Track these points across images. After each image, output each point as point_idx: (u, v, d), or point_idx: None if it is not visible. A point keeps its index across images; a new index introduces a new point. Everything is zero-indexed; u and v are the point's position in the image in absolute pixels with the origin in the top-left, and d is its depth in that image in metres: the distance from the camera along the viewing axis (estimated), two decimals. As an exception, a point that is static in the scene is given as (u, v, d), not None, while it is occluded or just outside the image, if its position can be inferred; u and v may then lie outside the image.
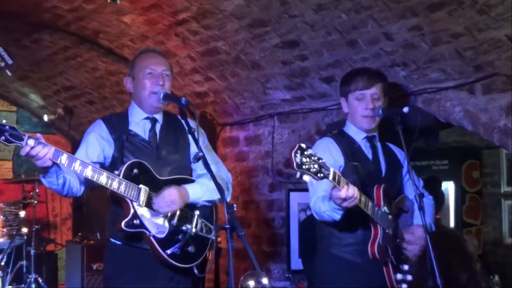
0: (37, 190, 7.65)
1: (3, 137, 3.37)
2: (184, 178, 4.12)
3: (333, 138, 4.23)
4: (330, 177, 3.43)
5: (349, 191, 3.56)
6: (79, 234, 8.14)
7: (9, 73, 3.41)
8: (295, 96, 6.05)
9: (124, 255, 3.96)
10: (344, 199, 3.59)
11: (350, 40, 4.98)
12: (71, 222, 9.80)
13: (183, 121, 3.89)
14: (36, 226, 7.41)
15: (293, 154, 3.25)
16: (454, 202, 9.32)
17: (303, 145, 3.29)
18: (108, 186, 3.69)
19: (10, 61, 3.32)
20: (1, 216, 6.65)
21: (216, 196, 3.99)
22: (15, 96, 9.40)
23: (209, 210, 4.18)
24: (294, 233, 6.44)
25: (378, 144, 4.32)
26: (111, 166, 3.95)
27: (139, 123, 4.10)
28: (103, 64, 7.22)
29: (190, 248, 4.00)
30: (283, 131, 6.40)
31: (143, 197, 3.82)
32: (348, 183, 3.59)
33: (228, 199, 4.14)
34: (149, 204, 3.84)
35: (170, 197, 3.87)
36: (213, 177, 3.58)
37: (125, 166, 3.81)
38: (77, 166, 3.59)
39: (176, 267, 3.95)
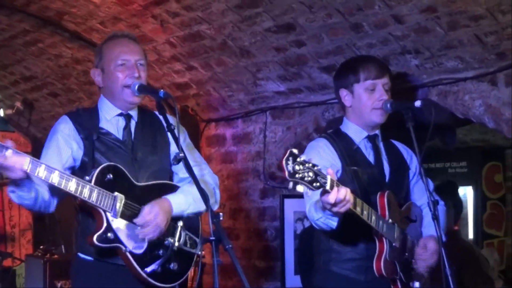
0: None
1: None
2: (164, 184, 4.11)
3: (328, 140, 4.22)
4: (328, 186, 3.41)
5: (340, 194, 3.49)
6: (41, 247, 8.12)
7: None
8: (291, 88, 6.06)
9: (96, 273, 3.92)
10: (334, 204, 3.52)
11: (354, 24, 4.99)
12: (31, 233, 9.78)
13: (161, 117, 3.86)
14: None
15: (284, 161, 3.22)
16: (473, 210, 9.35)
17: (295, 151, 3.26)
18: (78, 194, 3.63)
19: None
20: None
21: (203, 206, 3.89)
22: (-34, 88, 9.38)
23: (194, 220, 4.18)
24: (289, 246, 6.45)
25: (381, 144, 4.32)
26: (80, 171, 3.92)
27: (111, 120, 4.07)
28: (68, 51, 7.20)
29: (173, 265, 3.99)
30: (276, 128, 6.41)
31: (118, 207, 3.77)
32: (339, 185, 3.53)
33: (216, 207, 4.19)
34: (125, 215, 3.80)
35: (156, 220, 3.82)
36: (196, 182, 3.55)
37: (97, 170, 3.76)
38: (41, 171, 3.53)
39: (157, 287, 3.92)
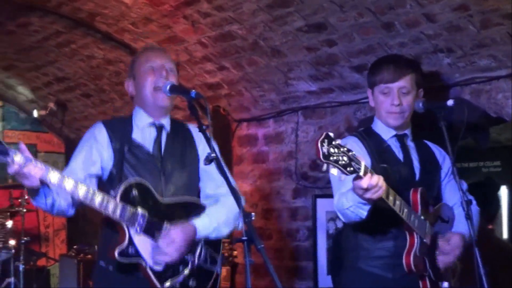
0: (26, 197, 7.65)
1: None
2: (189, 203, 4.14)
3: (358, 138, 4.22)
4: (361, 172, 3.40)
5: (373, 180, 3.48)
6: (75, 247, 8.19)
7: None
8: (322, 88, 6.06)
9: (116, 282, 3.95)
10: (366, 189, 3.50)
11: (386, 23, 4.98)
12: (65, 233, 9.86)
13: (191, 130, 4.04)
14: (25, 238, 7.46)
15: (319, 143, 3.21)
16: (508, 210, 9.27)
17: (331, 134, 3.26)
18: (102, 209, 3.69)
19: None
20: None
21: (226, 230, 4.09)
22: (0, 89, 9.47)
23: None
24: (321, 246, 6.45)
25: (411, 143, 4.31)
26: (108, 182, 3.98)
27: (143, 130, 4.11)
28: (100, 52, 7.25)
29: (191, 282, 4.00)
30: (308, 128, 6.42)
31: (141, 223, 3.82)
32: (373, 172, 3.51)
33: (226, 231, 4.16)
34: (147, 231, 3.84)
35: (177, 246, 3.87)
36: (230, 187, 3.54)
37: (122, 187, 3.82)
38: (68, 185, 3.59)
39: None
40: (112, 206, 3.71)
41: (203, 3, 5.62)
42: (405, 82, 4.12)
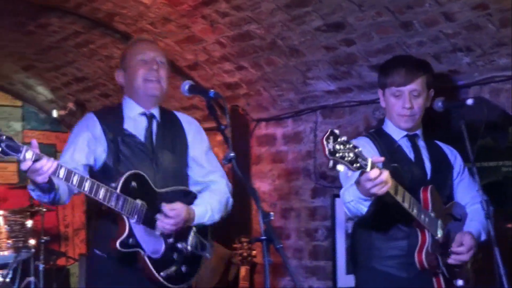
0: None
1: None
2: (183, 191, 4.27)
3: (369, 138, 4.24)
4: (368, 168, 3.40)
5: (382, 174, 3.48)
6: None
7: None
8: (341, 87, 6.05)
9: (111, 269, 4.05)
10: (373, 183, 3.49)
11: (404, 22, 4.98)
12: (84, 233, 9.89)
13: (180, 118, 4.23)
14: (45, 238, 7.49)
15: (324, 140, 3.22)
16: (528, 209, 9.22)
17: (336, 131, 3.27)
18: (105, 202, 3.81)
19: None
20: (6, 226, 6.73)
21: (218, 216, 4.29)
22: (19, 89, 9.51)
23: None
24: (340, 246, 6.44)
25: (422, 143, 4.32)
26: (101, 172, 4.08)
27: (134, 120, 4.21)
28: (119, 52, 7.26)
29: (184, 268, 4.16)
30: (327, 127, 6.39)
31: (141, 214, 3.95)
32: (380, 168, 3.52)
33: (218, 217, 4.36)
34: (146, 221, 3.97)
35: (179, 217, 4.03)
36: (248, 184, 3.58)
37: (123, 178, 3.93)
38: (75, 180, 3.70)
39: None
40: (114, 198, 3.83)
41: (222, 3, 5.63)
42: (416, 85, 4.14)
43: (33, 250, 7.13)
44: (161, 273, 4.01)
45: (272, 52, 6.03)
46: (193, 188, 4.37)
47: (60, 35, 7.29)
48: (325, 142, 3.22)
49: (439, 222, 4.07)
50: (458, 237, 4.12)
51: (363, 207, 3.78)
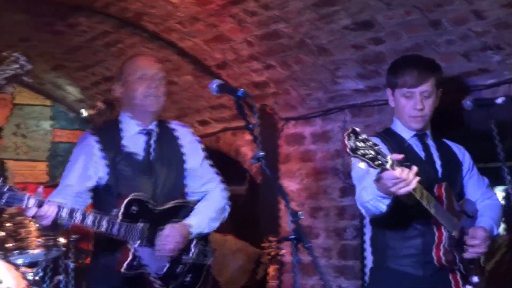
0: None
1: (2, 201, 3.55)
2: (180, 206, 4.34)
3: (379, 138, 4.20)
4: (388, 165, 3.38)
5: (405, 173, 3.44)
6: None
7: (27, 80, 3.59)
8: (369, 86, 6.04)
9: (117, 279, 4.10)
10: (397, 180, 3.45)
11: (433, 20, 4.96)
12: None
13: (176, 130, 4.36)
14: (74, 236, 7.53)
15: (346, 137, 3.23)
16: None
17: (356, 129, 3.28)
18: (108, 233, 3.91)
19: (28, 67, 3.50)
20: (36, 225, 6.77)
21: (216, 224, 4.40)
22: (49, 89, 9.59)
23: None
24: (369, 245, 6.42)
25: (431, 142, 4.31)
26: (105, 190, 4.16)
27: (133, 137, 4.27)
28: (147, 51, 7.30)
29: (188, 278, 4.26)
30: (355, 126, 6.37)
31: (143, 236, 4.04)
32: (400, 165, 3.48)
33: (216, 225, 4.47)
34: (148, 241, 4.07)
35: (174, 241, 4.10)
36: (277, 183, 3.61)
37: (123, 206, 4.01)
38: (78, 217, 3.83)
39: None
40: (116, 228, 3.93)
41: (250, 2, 5.64)
42: (427, 86, 4.12)
43: (63, 248, 7.17)
44: None
45: (300, 51, 6.03)
46: (191, 197, 4.46)
47: (89, 35, 7.35)
48: (346, 140, 3.23)
49: (454, 218, 4.08)
50: (471, 231, 4.12)
51: (382, 205, 3.75)
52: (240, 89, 3.74)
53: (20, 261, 6.73)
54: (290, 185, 6.94)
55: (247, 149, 7.55)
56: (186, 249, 4.21)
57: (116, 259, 4.06)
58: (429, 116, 4.20)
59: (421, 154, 4.23)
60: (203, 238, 4.36)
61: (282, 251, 5.36)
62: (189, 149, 4.46)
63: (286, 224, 6.72)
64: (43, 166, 9.76)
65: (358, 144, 3.25)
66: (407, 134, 4.23)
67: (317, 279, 6.57)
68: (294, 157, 6.99)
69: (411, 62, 4.27)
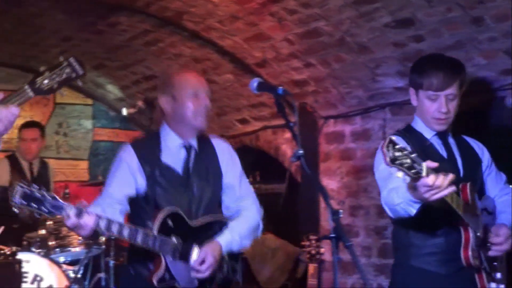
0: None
1: (45, 209, 3.60)
2: (215, 223, 4.34)
3: (402, 137, 4.15)
4: (424, 173, 3.37)
5: (439, 180, 3.43)
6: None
7: (80, 83, 3.67)
8: (410, 84, 6.01)
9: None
10: (431, 187, 3.45)
11: (475, 17, 4.92)
12: (153, 230, 9.99)
13: (214, 145, 4.35)
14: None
15: (385, 148, 3.26)
16: None
17: (394, 138, 3.30)
18: (143, 245, 3.94)
19: (81, 71, 3.58)
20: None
21: (248, 242, 4.37)
22: (90, 88, 9.67)
23: None
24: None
25: (451, 140, 4.28)
26: (143, 201, 4.18)
27: (173, 151, 4.27)
28: (187, 50, 7.34)
29: None
30: (396, 124, 6.36)
31: (176, 251, 4.06)
32: (433, 173, 3.47)
33: (248, 243, 4.43)
34: (181, 257, 4.08)
35: (209, 266, 4.09)
36: (317, 182, 3.61)
37: (160, 220, 4.02)
38: (114, 229, 3.86)
39: None
40: (151, 241, 3.95)
41: (290, 0, 5.64)
42: (453, 89, 4.07)
43: (103, 246, 7.22)
44: None
45: (341, 49, 6.02)
46: (225, 212, 4.46)
47: (130, 34, 7.40)
48: (386, 150, 3.27)
49: (479, 217, 4.08)
50: (494, 229, 4.14)
51: (413, 210, 3.75)
52: (280, 87, 3.73)
53: (62, 259, 6.81)
54: (330, 183, 6.93)
55: (287, 147, 7.55)
56: (218, 267, 4.22)
57: (148, 268, 4.11)
58: (453, 118, 4.16)
59: (443, 153, 4.20)
60: (234, 255, 4.36)
61: (322, 250, 5.35)
62: (227, 165, 4.45)
63: (326, 223, 6.72)
64: (84, 164, 9.84)
65: (396, 154, 3.28)
66: (428, 133, 4.21)
67: (357, 277, 6.56)
68: (334, 155, 6.98)
69: (437, 64, 4.18)
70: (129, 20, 7.05)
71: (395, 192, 3.81)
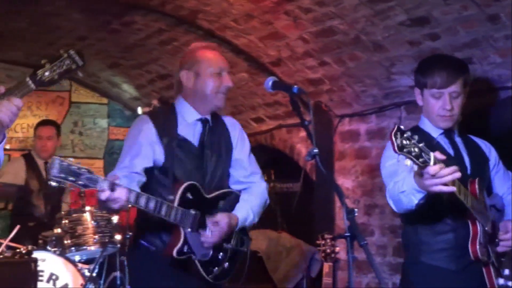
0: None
1: (81, 183, 3.62)
2: (227, 193, 4.44)
3: None
4: (431, 162, 3.43)
5: (445, 170, 3.49)
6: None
7: (80, 74, 3.70)
8: (425, 82, 5.99)
9: (162, 264, 4.15)
10: (435, 176, 3.50)
11: (491, 15, 4.90)
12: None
13: (226, 122, 4.43)
14: (130, 233, 7.59)
15: (393, 135, 3.30)
16: None
17: (402, 126, 3.35)
18: (165, 217, 3.99)
19: (80, 62, 3.61)
20: (92, 222, 6.82)
21: (257, 219, 4.48)
22: (105, 87, 9.69)
23: None
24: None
25: (458, 139, 4.35)
26: (161, 172, 4.21)
27: (189, 125, 4.32)
28: (203, 49, 7.33)
29: (226, 265, 4.32)
30: (411, 123, 6.30)
31: (195, 223, 4.13)
32: (441, 163, 3.52)
33: (257, 219, 4.53)
34: (197, 228, 4.15)
35: (222, 230, 4.19)
36: (333, 181, 3.60)
37: (180, 192, 4.09)
38: (142, 202, 3.91)
39: (211, 285, 4.26)
40: (173, 213, 4.01)
41: (304, -1, 5.64)
42: (456, 86, 4.15)
43: (118, 245, 7.23)
44: (210, 275, 4.19)
45: (356, 48, 6.01)
46: (233, 187, 4.52)
47: (145, 33, 7.41)
48: (393, 138, 3.30)
49: (487, 213, 4.13)
50: (502, 226, 4.21)
51: (415, 199, 3.78)
52: (295, 86, 3.74)
53: (77, 257, 6.83)
54: (345, 182, 6.91)
55: (301, 146, 7.55)
56: (228, 238, 4.29)
57: (162, 239, 4.16)
58: (458, 115, 4.23)
59: (450, 151, 4.26)
60: (242, 228, 4.43)
61: (337, 249, 5.36)
62: (237, 141, 4.53)
63: (341, 221, 6.70)
64: (99, 163, 9.87)
65: (404, 142, 3.32)
66: (435, 132, 4.28)
67: (372, 276, 6.54)
68: (349, 154, 6.97)
69: (440, 62, 4.29)
70: (144, 19, 7.06)
71: (401, 181, 3.86)
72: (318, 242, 5.40)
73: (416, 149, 3.35)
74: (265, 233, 7.31)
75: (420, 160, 3.37)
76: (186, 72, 4.33)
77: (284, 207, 7.66)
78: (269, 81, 3.95)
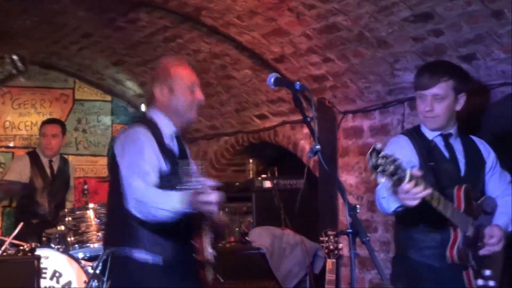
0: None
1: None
2: None
3: (408, 137, 4.47)
4: (407, 179, 3.60)
5: (418, 189, 3.67)
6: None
7: (22, 80, 3.66)
8: (429, 78, 5.96)
9: (166, 278, 4.23)
10: (407, 193, 3.69)
11: (495, 11, 4.87)
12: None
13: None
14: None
15: (368, 155, 3.48)
16: None
17: (379, 145, 3.49)
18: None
19: (22, 68, 3.57)
20: (96, 219, 6.82)
21: None
22: (109, 84, 9.69)
23: None
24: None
25: (456, 141, 4.48)
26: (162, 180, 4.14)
27: (168, 137, 4.34)
28: (206, 45, 7.33)
29: None
30: (414, 119, 6.31)
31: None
32: (418, 181, 3.69)
33: None
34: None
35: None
36: (337, 179, 3.59)
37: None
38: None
39: None
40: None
41: (308, -5, 5.62)
42: (438, 89, 4.30)
43: (122, 242, 7.25)
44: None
45: (359, 44, 5.99)
46: None
47: (149, 30, 7.41)
48: (368, 157, 3.49)
49: (470, 219, 4.25)
50: (487, 230, 4.32)
51: (391, 206, 4.01)
52: (297, 83, 3.74)
53: (80, 255, 6.82)
54: (349, 178, 6.90)
55: (305, 143, 7.53)
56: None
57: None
58: (445, 118, 4.36)
59: (445, 153, 4.42)
60: None
61: (340, 245, 5.35)
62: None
63: (345, 218, 6.67)
64: (103, 160, 9.86)
65: (379, 161, 3.48)
66: (431, 134, 4.43)
67: (375, 273, 6.53)
68: (353, 151, 6.95)
69: (428, 66, 4.55)
70: (149, 16, 7.06)
71: (384, 187, 4.03)
72: (321, 238, 5.39)
73: (392, 167, 3.51)
74: (269, 229, 7.29)
75: (395, 177, 3.55)
76: (160, 85, 4.36)
77: (288, 203, 7.65)
78: (271, 77, 3.95)
